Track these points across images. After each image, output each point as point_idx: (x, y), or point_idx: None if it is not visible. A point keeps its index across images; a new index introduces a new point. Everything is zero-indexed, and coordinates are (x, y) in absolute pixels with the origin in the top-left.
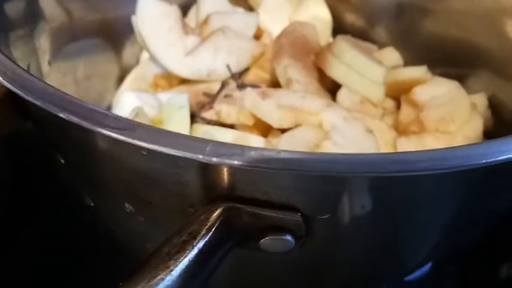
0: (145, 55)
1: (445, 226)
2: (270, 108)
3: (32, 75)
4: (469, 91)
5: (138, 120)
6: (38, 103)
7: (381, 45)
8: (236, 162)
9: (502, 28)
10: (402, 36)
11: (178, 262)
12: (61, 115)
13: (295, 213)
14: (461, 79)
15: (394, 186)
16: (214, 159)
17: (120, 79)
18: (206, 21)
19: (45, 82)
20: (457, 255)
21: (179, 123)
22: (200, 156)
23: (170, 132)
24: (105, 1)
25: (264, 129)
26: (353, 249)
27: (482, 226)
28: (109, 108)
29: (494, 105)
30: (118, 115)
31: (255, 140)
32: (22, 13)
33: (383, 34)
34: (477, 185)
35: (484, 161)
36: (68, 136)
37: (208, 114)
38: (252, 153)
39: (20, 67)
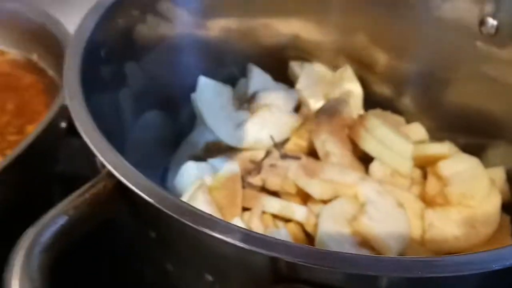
0: (197, 124)
1: None
2: (312, 182)
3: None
4: (489, 163)
5: (199, 188)
6: (166, 210)
7: (407, 114)
8: (305, 262)
9: None
10: (427, 106)
11: None
12: (182, 219)
13: None
14: (482, 149)
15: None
16: (286, 258)
17: (176, 144)
18: (253, 97)
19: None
20: None
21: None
22: (276, 254)
23: (259, 235)
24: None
25: (305, 196)
26: None
27: None
28: (166, 170)
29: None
30: (222, 222)
31: (299, 209)
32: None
33: (410, 104)
34: None
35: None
36: (168, 222)
37: (255, 180)
38: (316, 253)
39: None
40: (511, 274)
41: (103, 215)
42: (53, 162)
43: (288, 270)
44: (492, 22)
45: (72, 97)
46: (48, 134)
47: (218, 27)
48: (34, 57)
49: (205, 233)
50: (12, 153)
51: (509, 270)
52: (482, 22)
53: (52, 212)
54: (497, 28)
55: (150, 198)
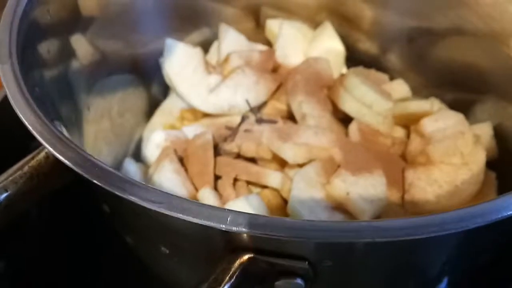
0: (171, 91)
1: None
2: (285, 146)
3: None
4: (477, 119)
5: (166, 156)
6: (100, 184)
7: (393, 72)
8: (250, 230)
9: (506, 51)
10: (413, 63)
11: None
12: (117, 193)
13: (303, 262)
14: (469, 105)
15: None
16: (234, 229)
17: (149, 113)
18: (226, 59)
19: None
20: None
21: (203, 156)
22: (223, 226)
23: (199, 204)
24: (134, 39)
25: (282, 161)
26: None
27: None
28: (139, 140)
29: (500, 133)
30: (158, 190)
31: (273, 175)
32: (55, 53)
33: (395, 61)
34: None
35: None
36: (118, 201)
37: (230, 147)
38: (261, 221)
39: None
40: (490, 231)
41: (47, 187)
42: None
43: (240, 240)
44: None
45: (3, 62)
46: None
47: None
48: None
49: (143, 208)
50: None
51: (486, 227)
52: None
53: None
54: None
55: (76, 167)
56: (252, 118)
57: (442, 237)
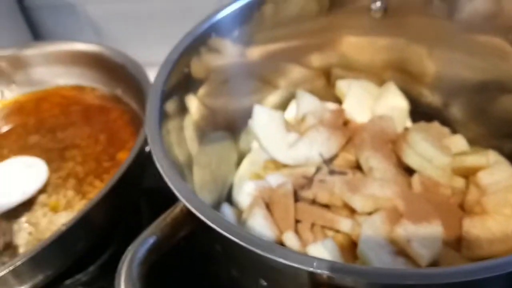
0: (255, 143)
1: None
2: (355, 197)
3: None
4: None
5: (256, 205)
6: (227, 234)
7: (455, 123)
8: (329, 273)
9: None
10: (474, 115)
11: None
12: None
13: None
14: None
15: None
16: (318, 271)
17: (238, 162)
18: (303, 119)
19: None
20: None
21: (285, 203)
22: (311, 269)
23: (294, 252)
24: (228, 99)
25: (351, 208)
26: None
27: None
28: (231, 186)
29: None
30: (266, 241)
31: (344, 221)
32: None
33: (457, 113)
34: None
35: None
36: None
37: (307, 194)
38: (337, 266)
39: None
40: None
41: (181, 233)
42: (141, 180)
43: (321, 278)
44: None
45: (153, 142)
46: (137, 159)
47: (263, 53)
48: (119, 92)
49: (254, 252)
50: (112, 178)
51: None
52: None
53: (144, 234)
54: None
55: (212, 223)
56: (325, 169)
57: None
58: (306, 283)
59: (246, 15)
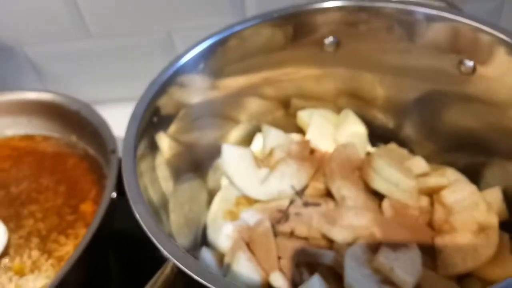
0: (224, 180)
1: None
2: (334, 230)
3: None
4: (487, 182)
5: (239, 248)
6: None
7: (410, 142)
8: None
9: (507, 120)
10: (426, 133)
11: None
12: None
13: None
14: (480, 169)
15: None
16: None
17: (208, 201)
18: (271, 153)
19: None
20: None
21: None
22: None
23: None
24: (195, 139)
25: (330, 239)
26: None
27: None
28: (204, 226)
29: (509, 195)
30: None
31: (326, 254)
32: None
33: (411, 133)
34: None
35: None
36: None
37: (284, 228)
38: None
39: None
40: None
41: None
42: (110, 229)
43: None
44: (469, 63)
45: (136, 202)
46: (107, 211)
47: (227, 87)
48: (74, 138)
49: None
50: (83, 241)
51: None
52: (460, 62)
53: None
54: (474, 69)
55: (207, 282)
56: (298, 201)
57: None
58: None
59: (208, 54)
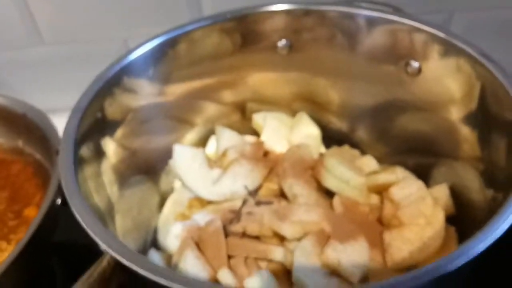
0: (177, 183)
1: None
2: (284, 225)
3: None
4: (436, 180)
5: (187, 246)
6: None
7: (362, 145)
8: None
9: (446, 118)
10: (377, 136)
11: None
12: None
13: None
14: (429, 169)
15: None
16: None
17: (160, 205)
18: (224, 154)
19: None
20: None
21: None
22: None
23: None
24: (145, 141)
25: (281, 236)
26: None
27: None
28: (155, 230)
29: (455, 191)
30: (202, 281)
31: (276, 251)
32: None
33: (363, 136)
34: None
35: None
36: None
37: (236, 228)
38: None
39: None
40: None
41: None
42: (52, 235)
43: None
44: (414, 64)
45: (71, 196)
46: (48, 216)
47: (179, 91)
48: (20, 143)
49: None
50: (22, 240)
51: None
52: (407, 64)
53: None
54: (420, 69)
55: (145, 270)
56: (251, 201)
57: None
58: None
59: (158, 55)
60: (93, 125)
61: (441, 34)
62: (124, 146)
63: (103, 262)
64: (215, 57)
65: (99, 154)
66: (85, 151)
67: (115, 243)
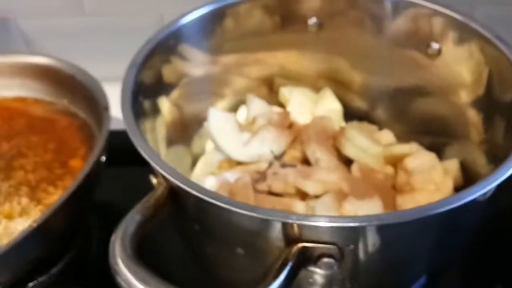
0: (208, 146)
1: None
2: (307, 182)
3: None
4: (447, 157)
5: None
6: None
7: (381, 123)
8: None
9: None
10: (396, 116)
11: (276, 280)
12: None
13: (335, 246)
14: (442, 147)
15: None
16: (297, 221)
17: (192, 166)
18: (253, 120)
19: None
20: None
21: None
22: (290, 220)
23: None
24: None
25: (303, 194)
26: (369, 268)
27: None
28: None
29: (465, 167)
30: (244, 204)
31: (298, 205)
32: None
33: (382, 115)
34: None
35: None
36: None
37: (262, 187)
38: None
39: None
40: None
41: (163, 213)
42: (94, 190)
43: (293, 233)
44: (435, 46)
45: (133, 133)
46: (93, 169)
47: (222, 63)
48: (65, 102)
49: (236, 212)
50: (68, 189)
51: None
52: (428, 45)
53: (132, 213)
54: (439, 51)
55: (198, 192)
56: (276, 164)
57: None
58: (281, 243)
59: (207, 25)
60: (150, 80)
61: (459, 17)
62: (177, 107)
63: (158, 191)
64: (255, 33)
65: (155, 111)
66: (143, 104)
67: (176, 173)
